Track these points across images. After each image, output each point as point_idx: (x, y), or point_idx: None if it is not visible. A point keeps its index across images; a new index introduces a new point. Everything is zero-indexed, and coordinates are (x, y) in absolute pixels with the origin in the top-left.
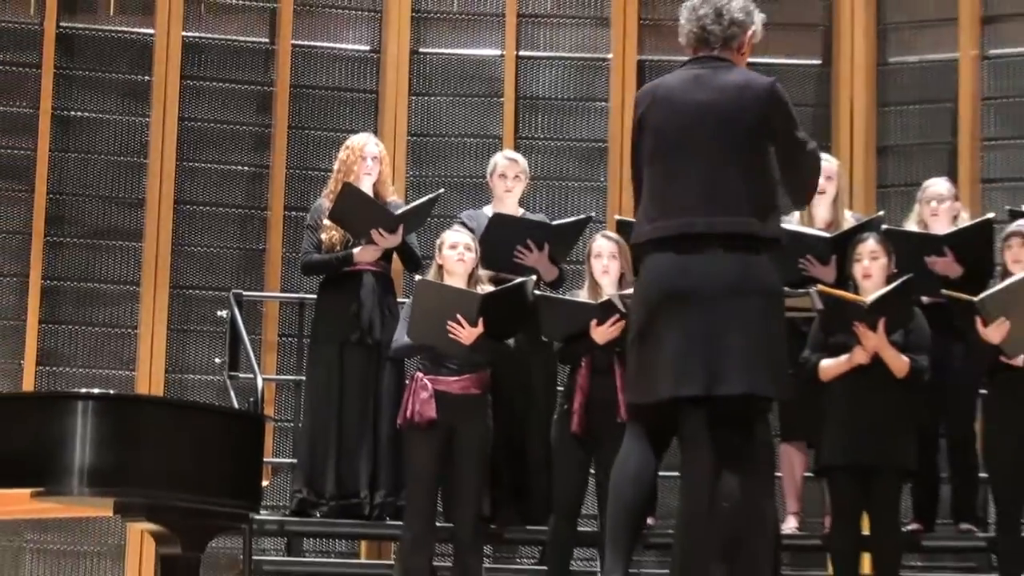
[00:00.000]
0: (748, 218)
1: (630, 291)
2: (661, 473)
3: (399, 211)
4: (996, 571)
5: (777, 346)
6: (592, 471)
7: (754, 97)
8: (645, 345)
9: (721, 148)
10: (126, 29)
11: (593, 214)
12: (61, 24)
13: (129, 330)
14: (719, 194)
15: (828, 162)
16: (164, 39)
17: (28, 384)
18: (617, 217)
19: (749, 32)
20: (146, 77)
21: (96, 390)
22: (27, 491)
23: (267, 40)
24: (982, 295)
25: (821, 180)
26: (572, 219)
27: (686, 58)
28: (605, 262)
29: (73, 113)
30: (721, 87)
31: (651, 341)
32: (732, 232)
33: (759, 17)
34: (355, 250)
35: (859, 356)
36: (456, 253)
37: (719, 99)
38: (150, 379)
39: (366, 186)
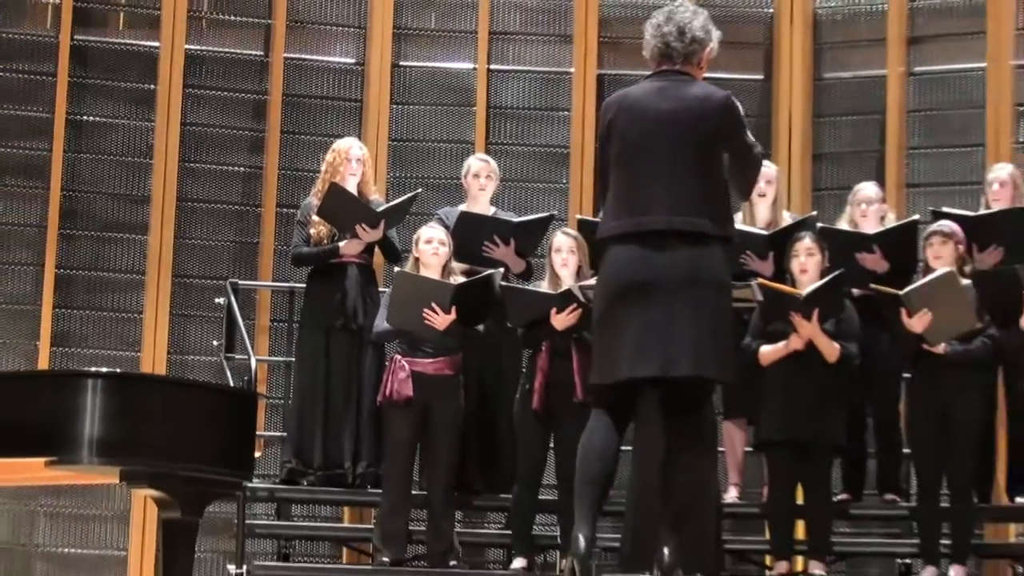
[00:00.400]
0: (703, 218)
1: (587, 282)
2: None
3: (381, 209)
4: (917, 537)
5: (725, 334)
6: (551, 445)
7: (712, 108)
8: (607, 330)
9: (681, 154)
10: (134, 42)
11: (555, 212)
12: (75, 37)
13: (135, 315)
14: (678, 196)
15: (768, 168)
16: (168, 51)
17: (43, 363)
18: (578, 216)
19: (707, 49)
20: (151, 86)
21: (104, 369)
22: (41, 460)
23: (262, 53)
24: (907, 289)
25: (762, 184)
26: (535, 217)
27: (643, 72)
28: (564, 256)
29: (85, 118)
30: (683, 98)
31: (613, 327)
32: (689, 230)
33: (716, 35)
34: (341, 244)
35: (795, 343)
36: (431, 247)
37: (681, 109)
38: (154, 359)
39: (351, 186)
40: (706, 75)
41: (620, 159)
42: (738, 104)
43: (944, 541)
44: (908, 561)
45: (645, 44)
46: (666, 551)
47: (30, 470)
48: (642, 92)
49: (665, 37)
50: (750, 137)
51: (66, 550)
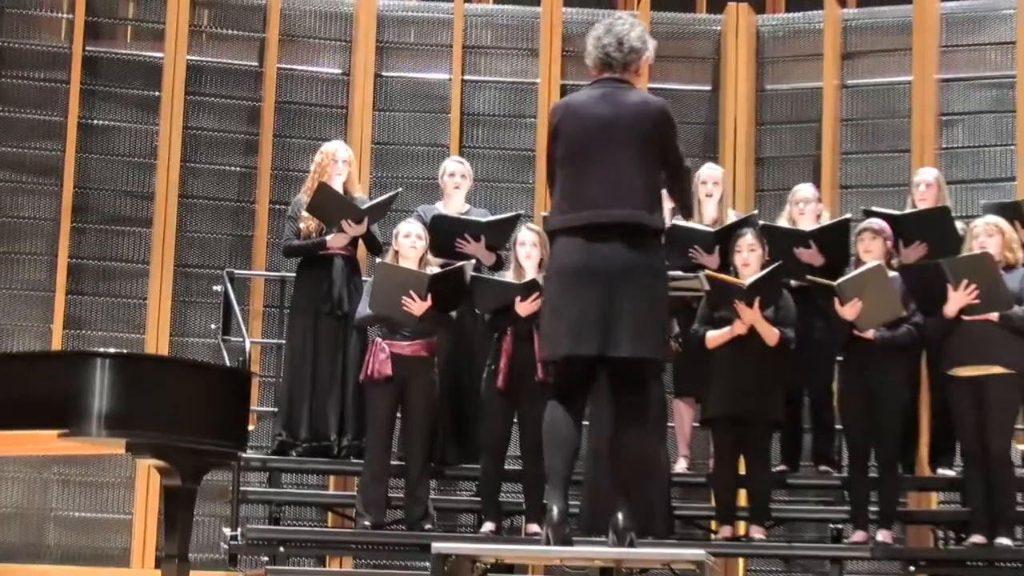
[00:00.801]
0: (641, 211)
1: None
2: None
3: (364, 206)
4: (848, 504)
5: (661, 317)
6: (515, 421)
7: (649, 113)
8: (555, 312)
9: (621, 154)
10: (140, 53)
11: (523, 212)
12: (86, 48)
13: (140, 301)
14: (619, 192)
15: (715, 170)
16: (172, 62)
17: (56, 345)
18: (543, 213)
19: (644, 57)
20: (156, 93)
21: (112, 350)
22: (54, 432)
23: (256, 64)
24: (839, 280)
25: (709, 184)
26: (503, 216)
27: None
28: (528, 250)
29: (95, 122)
30: (622, 104)
31: (560, 309)
32: (628, 222)
33: (652, 44)
34: (328, 237)
35: (738, 328)
36: (409, 241)
37: (621, 114)
38: (157, 341)
39: (337, 185)
40: (659, 86)
41: (566, 159)
42: (671, 112)
43: (872, 508)
44: (840, 526)
45: (587, 54)
46: (620, 516)
47: (44, 441)
48: (585, 98)
49: (605, 48)
50: (680, 147)
51: (76, 514)
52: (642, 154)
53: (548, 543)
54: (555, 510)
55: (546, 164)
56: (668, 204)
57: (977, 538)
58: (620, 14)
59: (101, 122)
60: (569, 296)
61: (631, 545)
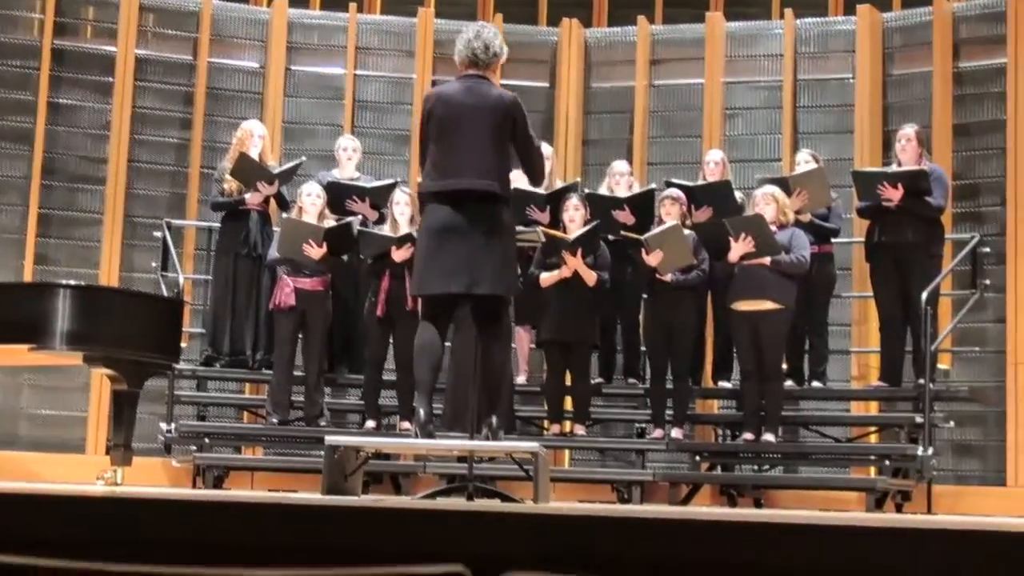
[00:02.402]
0: (495, 182)
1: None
2: None
3: (276, 171)
4: (650, 408)
5: (511, 264)
6: (391, 341)
7: (504, 104)
8: (429, 258)
9: (481, 136)
10: (98, 47)
11: (399, 179)
12: (54, 42)
13: (95, 244)
14: (478, 166)
15: (550, 149)
16: (123, 55)
17: (28, 277)
18: (417, 179)
19: (501, 60)
20: (110, 79)
21: (72, 282)
22: (26, 346)
23: (191, 58)
24: (646, 235)
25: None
26: (383, 182)
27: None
28: (402, 208)
29: (61, 101)
30: (484, 96)
31: (430, 255)
32: (485, 191)
33: (506, 50)
34: (246, 196)
35: (565, 272)
36: (311, 199)
37: (483, 103)
38: (109, 276)
39: (254, 155)
40: (512, 81)
41: (438, 136)
42: (523, 104)
43: (668, 412)
44: (643, 426)
45: (457, 52)
46: (493, 418)
47: (17, 354)
48: (455, 88)
49: (474, 50)
50: (532, 132)
51: (43, 411)
52: (497, 137)
53: (417, 437)
54: (422, 412)
55: (419, 140)
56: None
57: (748, 435)
58: (483, 23)
59: (66, 101)
60: (440, 247)
61: (499, 439)
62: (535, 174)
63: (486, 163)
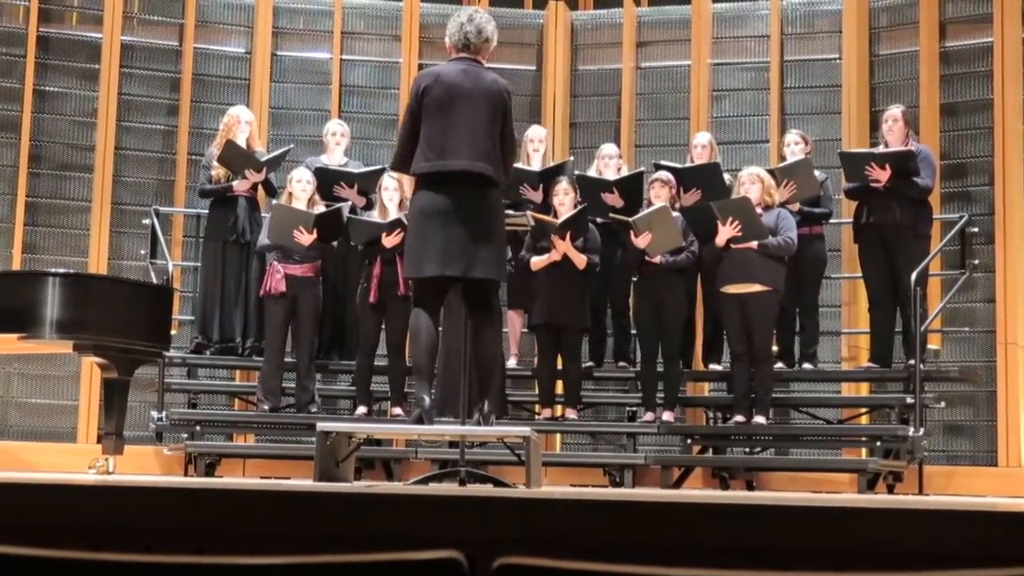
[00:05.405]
0: (488, 164)
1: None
2: None
3: (263, 158)
4: (640, 392)
5: (503, 247)
6: (383, 327)
7: (498, 90)
8: (423, 241)
9: (476, 119)
10: (83, 34)
11: (386, 165)
12: (40, 29)
13: (83, 231)
14: (473, 147)
15: (541, 131)
16: (109, 41)
17: (16, 266)
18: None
19: (492, 45)
20: (96, 66)
21: (61, 270)
22: (15, 335)
23: (177, 43)
24: (635, 217)
25: (536, 142)
26: (371, 168)
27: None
28: (391, 193)
29: (48, 88)
30: (479, 79)
31: (424, 238)
32: (479, 172)
33: (496, 36)
34: (234, 183)
35: (555, 255)
36: (300, 186)
37: (477, 86)
38: (98, 263)
39: (241, 141)
40: (501, 65)
41: (431, 116)
42: (512, 92)
43: (659, 394)
44: (634, 409)
45: (450, 35)
46: (485, 403)
47: (7, 343)
48: (450, 70)
49: (467, 34)
50: (512, 123)
51: (33, 400)
52: (491, 121)
53: (424, 424)
54: (426, 398)
55: (406, 116)
56: None
57: (739, 418)
58: (476, 8)
59: (52, 89)
60: (435, 229)
61: (490, 424)
62: (508, 165)
63: (481, 146)
